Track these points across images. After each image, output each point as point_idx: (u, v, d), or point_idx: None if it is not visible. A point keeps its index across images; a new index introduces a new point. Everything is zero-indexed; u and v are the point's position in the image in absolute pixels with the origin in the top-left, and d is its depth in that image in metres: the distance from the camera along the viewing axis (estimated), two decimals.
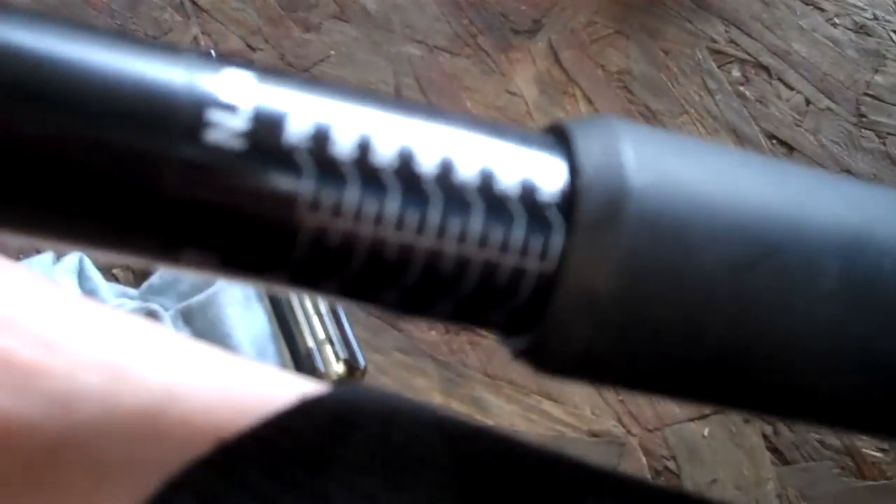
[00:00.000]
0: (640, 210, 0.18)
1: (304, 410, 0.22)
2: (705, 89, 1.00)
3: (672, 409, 0.88)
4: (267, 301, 0.83)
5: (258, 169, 0.17)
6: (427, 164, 0.18)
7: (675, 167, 0.19)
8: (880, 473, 0.89)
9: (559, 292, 0.19)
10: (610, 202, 0.18)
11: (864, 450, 0.89)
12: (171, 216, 0.17)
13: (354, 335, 0.82)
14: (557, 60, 1.00)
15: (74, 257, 0.81)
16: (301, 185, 0.17)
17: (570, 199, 0.19)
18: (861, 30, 1.06)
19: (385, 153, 0.18)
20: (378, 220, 0.18)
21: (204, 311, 0.78)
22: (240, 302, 0.80)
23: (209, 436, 0.21)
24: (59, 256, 0.81)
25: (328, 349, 0.80)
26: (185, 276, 0.80)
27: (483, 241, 0.18)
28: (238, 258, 0.18)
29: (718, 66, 1.02)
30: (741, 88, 1.01)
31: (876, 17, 1.06)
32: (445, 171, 0.18)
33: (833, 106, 1.01)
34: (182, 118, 0.17)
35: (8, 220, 0.17)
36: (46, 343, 0.23)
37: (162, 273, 0.82)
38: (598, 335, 0.19)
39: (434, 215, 0.18)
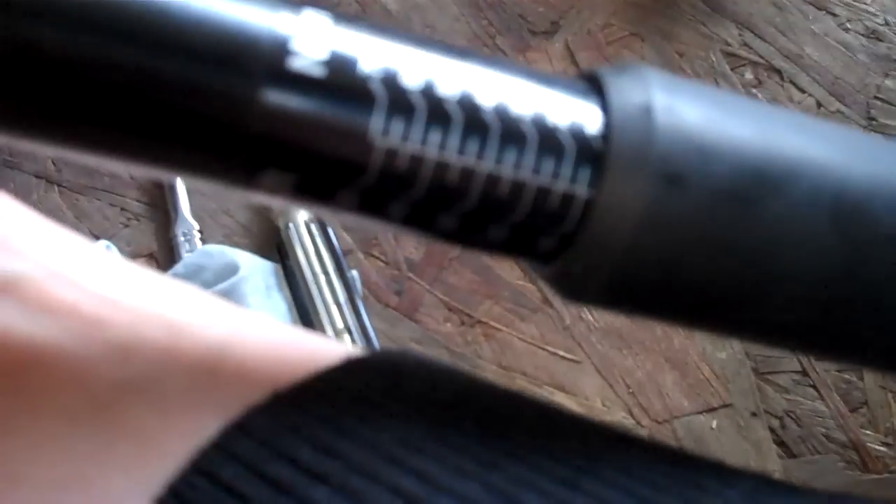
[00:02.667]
0: (665, 152, 0.20)
1: (351, 367, 0.23)
2: None
3: (681, 401, 0.89)
4: (287, 291, 0.84)
5: (336, 95, 0.19)
6: (486, 100, 0.20)
7: (699, 109, 0.21)
8: (884, 467, 0.90)
9: (592, 219, 0.20)
10: (639, 143, 0.20)
11: (868, 444, 0.90)
12: (257, 140, 0.19)
13: (372, 325, 0.83)
14: (574, 61, 1.01)
15: (101, 246, 0.82)
16: (374, 111, 0.19)
17: (607, 137, 0.20)
18: (872, 35, 1.07)
19: (449, 88, 0.19)
20: (442, 145, 0.19)
21: (226, 299, 0.78)
22: (261, 291, 0.81)
23: (264, 386, 0.22)
24: None
25: (346, 338, 0.81)
26: (209, 265, 0.82)
27: (537, 168, 0.20)
28: (313, 180, 0.19)
29: (732, 69, 1.02)
30: (754, 90, 1.02)
31: (887, 23, 1.07)
32: (503, 106, 0.20)
33: (844, 109, 1.02)
34: (269, 49, 0.18)
35: (105, 147, 0.19)
36: (109, 299, 0.24)
37: (185, 262, 0.83)
38: (625, 261, 0.20)
39: (493, 142, 0.20)
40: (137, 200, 0.91)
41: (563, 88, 0.21)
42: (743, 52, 1.04)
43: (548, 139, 0.20)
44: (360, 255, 0.91)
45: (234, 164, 0.19)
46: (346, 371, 0.23)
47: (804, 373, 0.92)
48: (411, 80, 0.19)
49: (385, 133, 0.19)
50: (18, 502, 0.21)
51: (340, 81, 0.19)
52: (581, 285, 0.21)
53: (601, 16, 1.04)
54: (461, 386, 0.24)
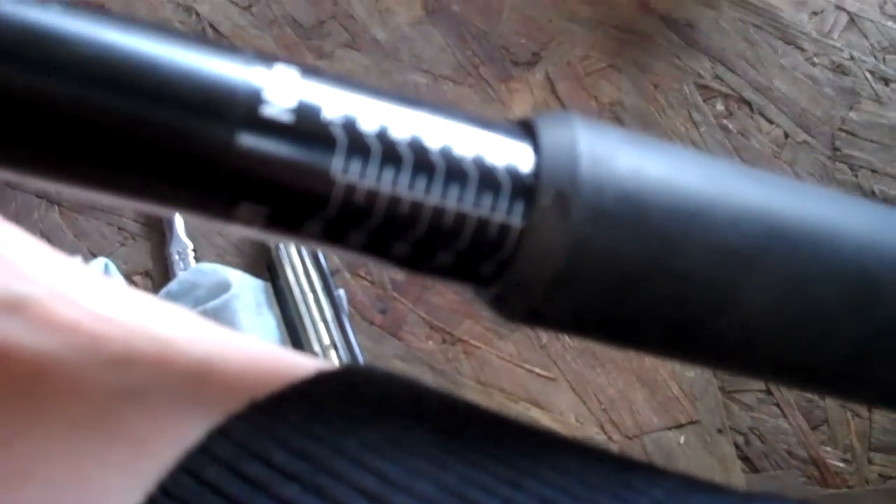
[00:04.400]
0: (589, 189, 0.22)
1: (321, 380, 0.25)
2: (691, 121, 1.02)
3: (651, 418, 0.91)
4: (277, 308, 0.86)
5: (303, 138, 0.21)
6: (433, 143, 0.22)
7: (621, 152, 0.22)
8: (843, 482, 0.92)
9: (525, 247, 0.22)
10: (564, 180, 0.22)
11: (828, 460, 0.92)
12: (235, 176, 0.20)
13: (357, 342, 0.85)
14: (554, 91, 1.03)
15: (100, 262, 0.84)
16: (335, 152, 0.21)
17: (538, 175, 0.22)
18: (838, 69, 1.08)
19: (400, 132, 0.22)
20: (395, 181, 0.21)
21: (218, 315, 0.80)
22: (252, 308, 0.83)
23: (243, 396, 0.24)
24: (86, 260, 0.84)
25: (333, 354, 0.83)
26: (202, 283, 0.84)
27: (477, 202, 0.22)
28: (283, 212, 0.21)
29: (704, 100, 1.04)
30: (724, 121, 1.04)
31: (853, 58, 1.09)
32: (447, 148, 0.22)
33: (810, 140, 1.04)
34: (244, 98, 0.20)
35: (98, 184, 0.21)
36: (106, 318, 0.26)
37: (180, 279, 0.86)
38: (553, 285, 0.22)
39: (439, 179, 0.21)
40: (134, 220, 0.93)
41: (502, 132, 0.23)
42: (715, 85, 1.06)
43: (487, 177, 0.22)
44: (347, 275, 0.92)
45: (214, 198, 0.21)
46: (316, 383, 0.25)
47: (768, 392, 0.93)
48: (368, 126, 0.21)
49: (345, 171, 0.21)
50: (28, 497, 0.23)
51: (306, 126, 0.21)
52: (515, 307, 0.23)
53: (580, 48, 1.06)
54: (419, 396, 0.26)
